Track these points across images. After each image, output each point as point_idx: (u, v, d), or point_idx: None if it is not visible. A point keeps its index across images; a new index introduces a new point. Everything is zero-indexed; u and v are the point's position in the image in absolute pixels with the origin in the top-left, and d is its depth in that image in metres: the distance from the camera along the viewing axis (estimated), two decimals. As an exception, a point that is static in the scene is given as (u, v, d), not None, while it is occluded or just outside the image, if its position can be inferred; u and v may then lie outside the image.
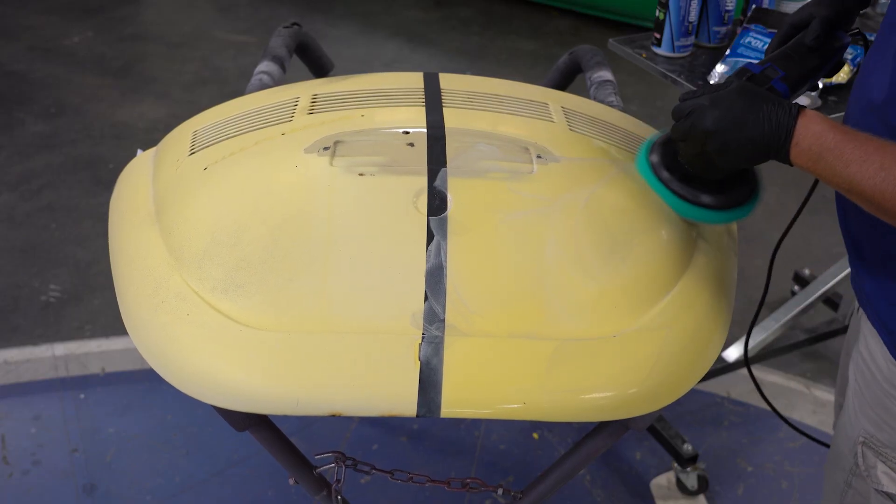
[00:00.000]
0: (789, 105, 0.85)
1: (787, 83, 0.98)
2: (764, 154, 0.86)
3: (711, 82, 1.59)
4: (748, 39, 1.61)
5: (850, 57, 1.57)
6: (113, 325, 2.25)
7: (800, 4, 1.75)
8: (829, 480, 1.10)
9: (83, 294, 2.37)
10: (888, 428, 0.95)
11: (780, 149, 0.84)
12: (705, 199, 0.95)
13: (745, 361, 1.33)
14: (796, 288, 2.41)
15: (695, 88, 0.94)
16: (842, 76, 1.59)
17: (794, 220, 1.16)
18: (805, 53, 1.03)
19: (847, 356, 1.10)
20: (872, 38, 0.96)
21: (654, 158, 0.98)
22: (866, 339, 0.99)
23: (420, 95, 1.08)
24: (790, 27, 1.07)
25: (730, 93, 0.88)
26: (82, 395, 2.04)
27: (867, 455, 0.99)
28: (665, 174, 0.96)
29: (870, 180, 0.78)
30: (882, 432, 0.96)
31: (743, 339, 2.03)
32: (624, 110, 1.24)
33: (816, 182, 1.01)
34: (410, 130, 0.99)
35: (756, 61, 1.00)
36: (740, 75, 0.96)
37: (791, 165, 0.86)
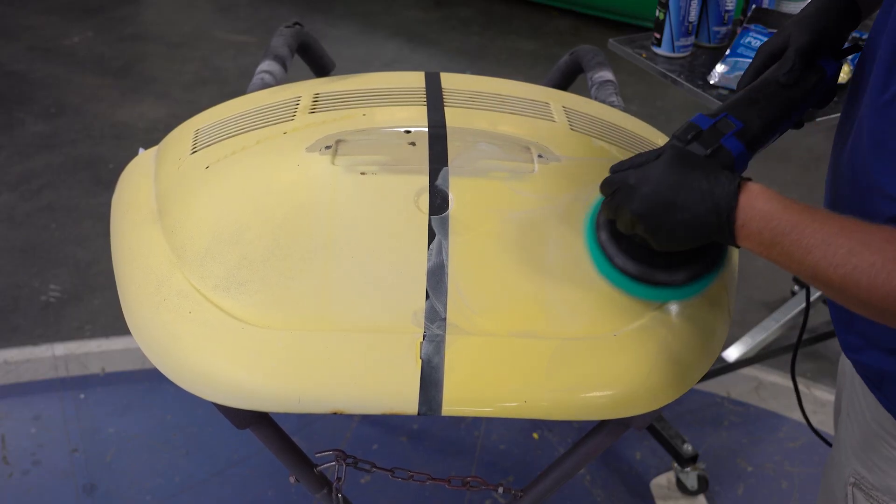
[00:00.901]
0: (729, 179, 0.73)
1: (743, 139, 0.82)
2: (703, 237, 0.75)
3: (711, 81, 1.59)
4: (748, 39, 1.61)
5: (849, 57, 1.57)
6: (113, 325, 2.26)
7: (801, 5, 1.75)
8: None
9: (83, 294, 2.37)
10: (878, 471, 0.89)
11: (721, 232, 0.73)
12: (656, 275, 0.84)
13: (794, 382, 1.25)
14: (796, 288, 2.41)
15: (630, 156, 0.83)
16: (842, 76, 1.59)
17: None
18: (776, 92, 0.87)
19: (841, 388, 1.04)
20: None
21: (603, 236, 0.87)
22: (848, 371, 0.94)
23: (422, 95, 1.08)
24: (766, 56, 0.92)
25: (657, 166, 0.77)
26: (82, 395, 2.04)
27: (857, 497, 0.93)
28: (610, 246, 0.85)
29: (837, 269, 0.66)
30: (872, 474, 0.90)
31: (743, 339, 2.05)
32: (625, 110, 1.24)
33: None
34: (412, 129, 0.99)
35: (711, 112, 0.84)
36: (686, 133, 0.81)
37: (739, 248, 0.76)
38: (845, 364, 0.98)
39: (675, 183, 0.75)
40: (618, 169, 0.82)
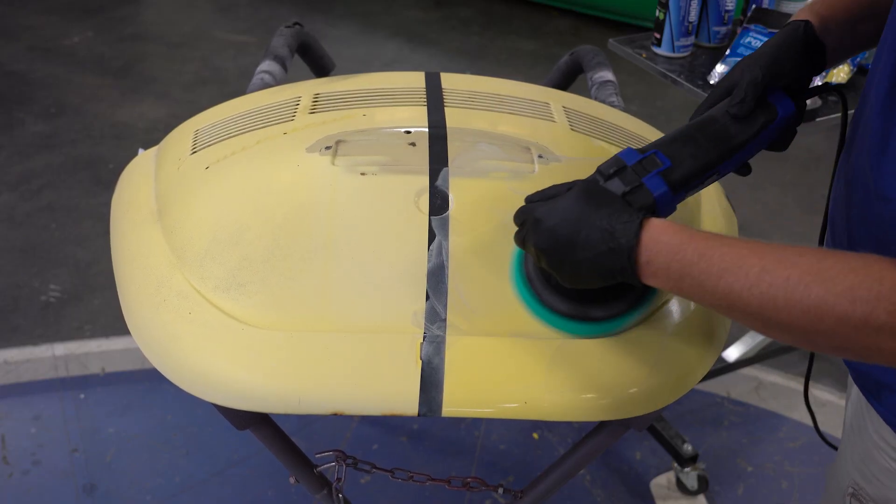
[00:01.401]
0: (631, 217, 0.71)
1: (668, 178, 0.77)
2: (608, 277, 0.73)
3: (711, 81, 1.59)
4: (748, 39, 1.61)
5: (854, 58, 1.57)
6: (113, 325, 2.26)
7: (801, 5, 1.75)
8: None
9: (83, 294, 2.37)
10: (877, 482, 0.88)
11: (623, 272, 0.71)
12: (587, 311, 0.83)
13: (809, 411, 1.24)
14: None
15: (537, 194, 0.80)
16: (841, 76, 1.59)
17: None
18: (721, 129, 0.82)
19: (848, 398, 1.02)
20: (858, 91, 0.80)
21: (529, 267, 0.85)
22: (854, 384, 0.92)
23: (422, 95, 1.08)
24: (720, 93, 0.87)
25: (565, 200, 0.75)
26: (82, 395, 2.04)
27: None
28: (536, 283, 0.84)
29: (751, 290, 0.63)
30: (871, 486, 0.89)
31: (743, 340, 2.05)
32: (625, 110, 1.24)
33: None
34: (412, 130, 0.99)
35: (642, 147, 0.80)
36: (608, 168, 0.77)
37: (648, 287, 0.73)
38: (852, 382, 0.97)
39: (577, 220, 0.73)
40: (530, 200, 0.80)
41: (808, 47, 0.86)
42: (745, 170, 0.89)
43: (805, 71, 0.87)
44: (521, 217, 0.80)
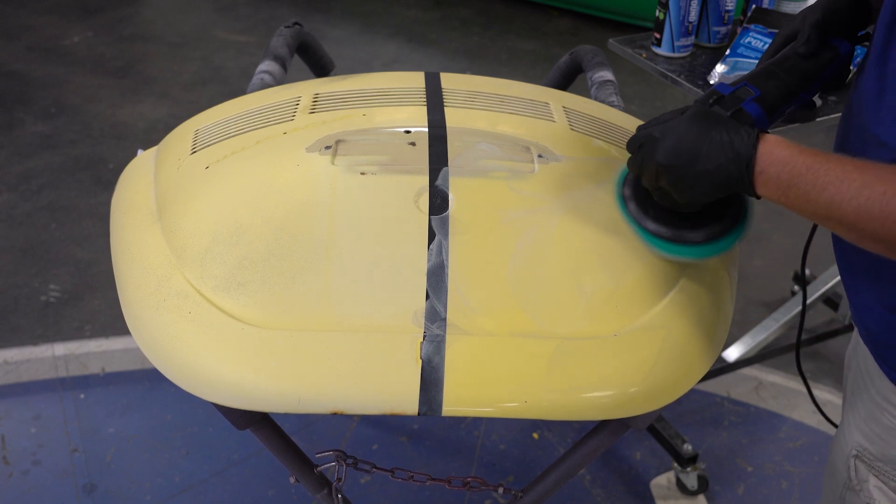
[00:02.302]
0: (748, 132, 0.77)
1: (762, 104, 0.88)
2: (724, 187, 0.79)
3: (711, 82, 1.59)
4: (748, 39, 1.61)
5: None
6: (113, 325, 2.26)
7: (802, 5, 1.75)
8: (826, 495, 1.07)
9: (83, 294, 2.37)
10: (880, 441, 0.92)
11: (741, 181, 0.77)
12: (683, 234, 0.88)
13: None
14: (796, 288, 2.41)
15: (662, 115, 0.87)
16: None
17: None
18: (794, 66, 0.94)
19: (848, 369, 1.08)
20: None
21: (627, 191, 0.92)
22: (859, 348, 0.97)
23: (421, 95, 1.08)
24: (783, 38, 0.99)
25: (681, 122, 0.81)
26: (82, 395, 2.04)
27: (860, 469, 0.96)
28: (634, 208, 0.90)
29: (851, 202, 0.70)
30: (874, 445, 0.93)
31: (743, 339, 2.05)
32: (625, 110, 1.24)
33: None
34: (412, 130, 0.99)
35: (731, 81, 0.91)
36: (708, 98, 0.86)
37: (758, 198, 0.79)
38: (857, 343, 1.00)
39: (697, 136, 0.79)
40: (643, 128, 0.86)
41: (857, 1, 0.97)
42: (811, 105, 1.07)
43: (857, 22, 0.98)
44: (639, 140, 0.84)
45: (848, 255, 0.92)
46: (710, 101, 0.86)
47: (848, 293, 0.94)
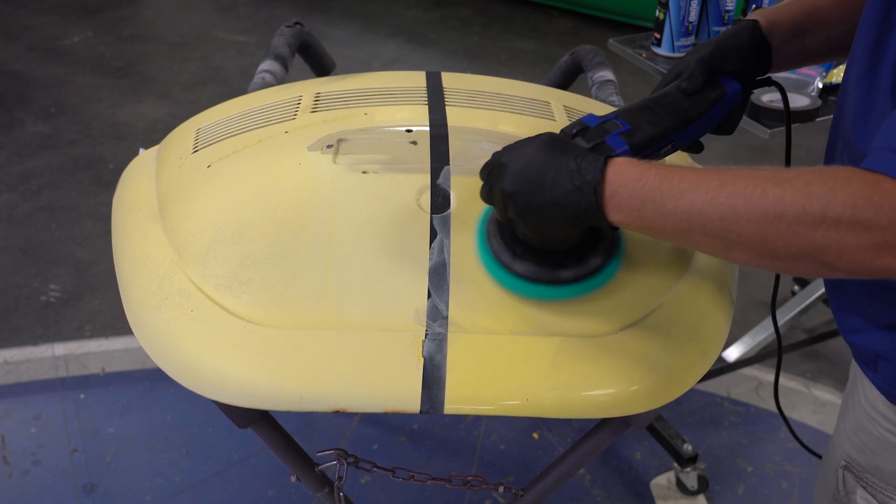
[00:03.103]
0: (596, 157, 0.73)
1: (629, 139, 0.82)
2: (574, 216, 0.74)
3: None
4: (749, 39, 1.61)
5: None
6: (113, 325, 2.26)
7: (800, 5, 1.75)
8: None
9: (83, 294, 2.37)
10: (868, 451, 0.90)
11: (589, 209, 0.72)
12: (554, 273, 0.83)
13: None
14: (796, 288, 2.41)
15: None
16: (833, 76, 1.59)
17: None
18: (675, 102, 0.88)
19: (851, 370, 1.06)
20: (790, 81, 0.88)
21: (491, 228, 0.86)
22: (856, 367, 0.95)
23: (423, 94, 1.08)
24: (673, 75, 0.93)
25: (532, 147, 0.77)
26: (82, 395, 2.04)
27: (848, 479, 0.94)
28: (498, 245, 0.84)
29: (712, 202, 0.65)
30: (863, 456, 0.91)
31: (743, 339, 2.05)
32: (625, 109, 1.24)
33: None
34: (413, 128, 0.99)
35: (602, 114, 0.85)
36: (572, 128, 0.82)
37: (615, 228, 0.75)
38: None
39: (544, 162, 0.75)
40: (497, 153, 0.82)
41: (754, 43, 0.93)
42: (697, 147, 0.96)
43: (751, 63, 0.94)
44: (488, 168, 0.80)
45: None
46: (574, 131, 0.82)
47: (831, 306, 0.92)
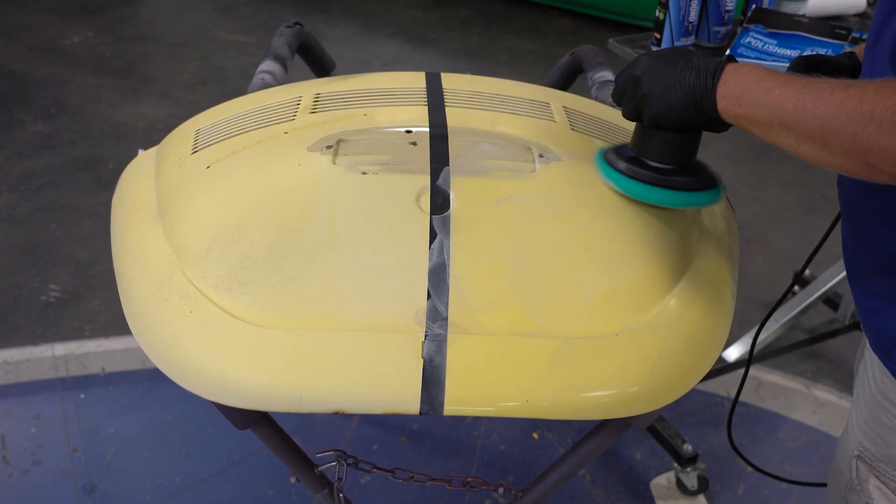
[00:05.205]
0: (718, 59, 0.85)
1: None
2: (692, 100, 0.84)
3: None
4: (748, 39, 1.61)
5: None
6: (113, 325, 2.26)
7: (802, 6, 1.75)
8: (830, 497, 1.08)
9: (83, 294, 2.37)
10: (881, 441, 0.93)
11: (706, 91, 0.83)
12: (671, 179, 0.92)
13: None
14: (796, 288, 2.41)
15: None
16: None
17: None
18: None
19: (856, 374, 1.08)
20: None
21: (609, 156, 0.97)
22: (867, 351, 0.97)
23: (422, 95, 1.08)
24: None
25: (656, 53, 0.90)
26: (82, 395, 2.04)
27: (861, 469, 0.97)
28: (625, 166, 0.95)
29: (790, 98, 0.75)
30: (875, 445, 0.94)
31: (743, 339, 2.05)
32: (625, 110, 1.24)
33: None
34: (413, 129, 0.99)
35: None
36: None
37: (721, 122, 0.84)
38: (865, 346, 1.00)
39: (674, 55, 0.87)
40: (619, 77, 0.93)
41: (851, 61, 1.02)
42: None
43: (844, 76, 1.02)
44: (624, 70, 0.91)
45: (850, 252, 0.93)
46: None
47: (853, 290, 0.94)
